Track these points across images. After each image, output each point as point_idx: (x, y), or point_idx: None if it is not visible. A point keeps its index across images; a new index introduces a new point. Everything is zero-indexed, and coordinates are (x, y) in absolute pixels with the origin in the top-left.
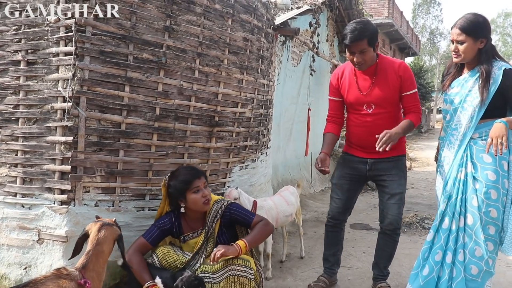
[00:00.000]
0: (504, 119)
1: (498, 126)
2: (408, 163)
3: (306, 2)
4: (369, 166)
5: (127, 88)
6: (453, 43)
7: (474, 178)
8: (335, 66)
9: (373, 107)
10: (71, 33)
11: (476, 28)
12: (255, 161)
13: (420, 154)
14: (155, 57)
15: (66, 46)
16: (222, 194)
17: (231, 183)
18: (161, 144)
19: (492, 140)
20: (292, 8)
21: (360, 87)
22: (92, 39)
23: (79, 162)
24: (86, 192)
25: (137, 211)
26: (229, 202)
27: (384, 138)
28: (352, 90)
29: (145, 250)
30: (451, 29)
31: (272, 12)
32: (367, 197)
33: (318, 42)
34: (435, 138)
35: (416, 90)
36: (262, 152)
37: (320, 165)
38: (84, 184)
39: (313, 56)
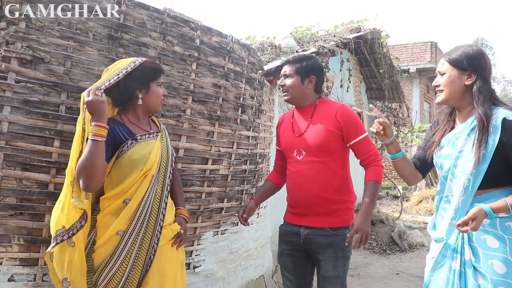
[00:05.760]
0: (487, 206)
1: (477, 210)
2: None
3: (315, 45)
4: (303, 240)
5: (56, 143)
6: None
7: (475, 269)
8: (358, 114)
9: (303, 153)
10: None
11: (463, 58)
12: (237, 225)
13: None
14: None
15: None
16: (188, 266)
17: (201, 251)
18: None
19: (465, 221)
20: (297, 51)
21: (294, 128)
22: (14, 87)
23: None
24: None
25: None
26: None
27: (358, 240)
28: (286, 133)
29: None
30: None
31: (258, 54)
32: (392, 260)
33: (327, 88)
34: None
35: (366, 133)
36: None
37: (241, 213)
38: None
39: None
